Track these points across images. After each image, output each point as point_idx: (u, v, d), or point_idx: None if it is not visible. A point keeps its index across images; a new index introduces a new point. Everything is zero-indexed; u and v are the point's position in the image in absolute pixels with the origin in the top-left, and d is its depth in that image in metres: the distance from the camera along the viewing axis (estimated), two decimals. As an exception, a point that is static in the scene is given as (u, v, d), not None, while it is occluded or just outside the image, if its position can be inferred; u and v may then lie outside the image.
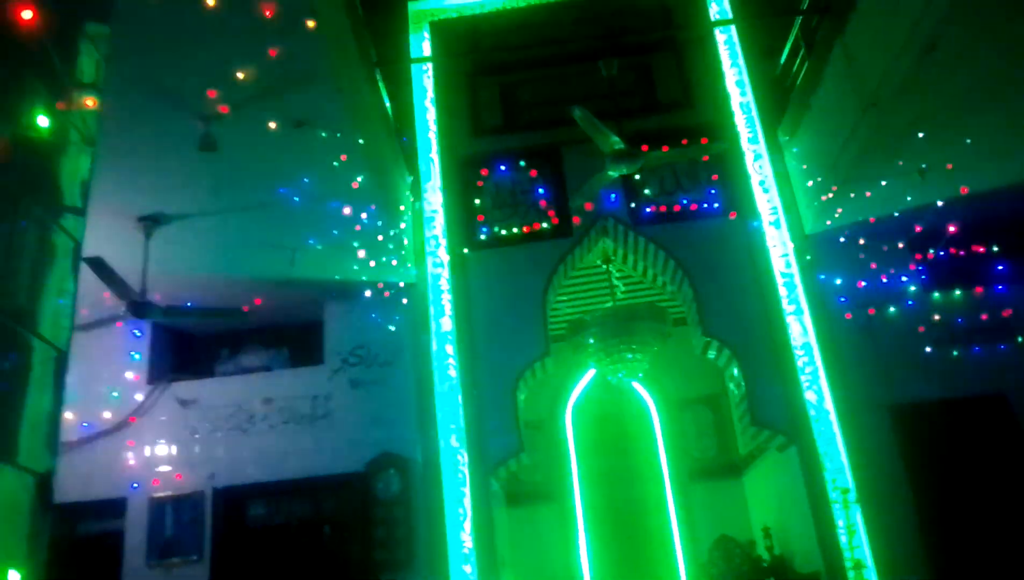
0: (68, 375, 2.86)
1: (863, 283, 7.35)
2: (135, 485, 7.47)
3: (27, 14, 2.60)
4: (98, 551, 7.41)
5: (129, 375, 7.83)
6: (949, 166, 6.53)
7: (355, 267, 7.39)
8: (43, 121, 2.70)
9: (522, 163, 7.97)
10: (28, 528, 2.52)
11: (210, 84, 5.08)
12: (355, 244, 7.04)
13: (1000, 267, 7.43)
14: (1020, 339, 7.15)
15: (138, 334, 7.97)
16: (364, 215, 6.69)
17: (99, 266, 5.97)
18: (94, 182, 3.13)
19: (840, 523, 6.65)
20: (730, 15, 8.14)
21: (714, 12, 8.19)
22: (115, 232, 6.31)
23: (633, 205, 7.73)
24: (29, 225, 2.71)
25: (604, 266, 8.14)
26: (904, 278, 7.37)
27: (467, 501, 6.92)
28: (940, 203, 7.00)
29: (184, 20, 4.59)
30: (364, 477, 7.24)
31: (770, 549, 7.75)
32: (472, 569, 6.75)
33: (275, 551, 7.37)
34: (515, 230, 7.79)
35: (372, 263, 7.34)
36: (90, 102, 2.99)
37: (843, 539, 6.60)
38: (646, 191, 7.76)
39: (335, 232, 6.85)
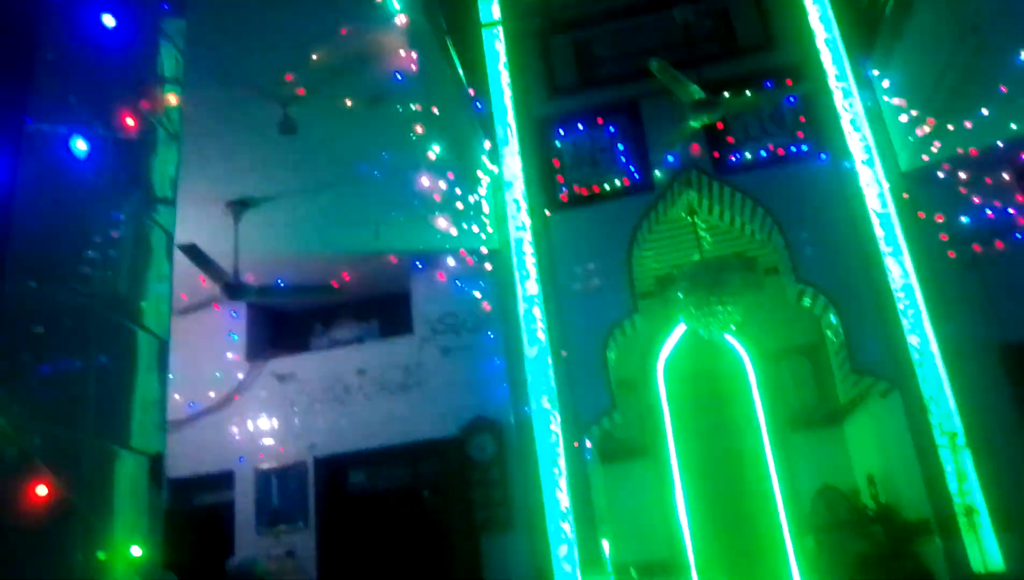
0: (172, 358, 2.98)
1: (966, 219, 6.98)
2: (241, 458, 7.76)
3: (109, 20, 2.65)
4: (212, 521, 7.76)
5: (229, 355, 8.13)
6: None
7: (438, 236, 7.43)
8: (130, 121, 2.76)
9: (600, 120, 7.83)
10: (146, 506, 2.69)
11: (286, 67, 5.14)
12: (437, 213, 7.06)
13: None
14: None
15: (235, 315, 8.23)
16: (443, 184, 6.70)
17: (193, 252, 6.16)
18: (182, 171, 3.21)
19: (949, 469, 6.42)
20: (810, -55, 7.76)
21: (793, -56, 7.82)
22: (205, 218, 6.50)
23: (717, 154, 7.52)
24: (125, 221, 2.80)
25: (689, 218, 7.97)
26: (1011, 210, 6.98)
27: (561, 461, 6.95)
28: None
29: (255, 5, 4.63)
30: (459, 441, 7.35)
31: (875, 497, 7.57)
32: (570, 527, 6.80)
33: (377, 516, 7.59)
34: (596, 188, 7.69)
35: (455, 231, 7.37)
36: (172, 98, 3.04)
37: (952, 485, 6.38)
38: (730, 139, 7.53)
39: (416, 203, 6.88)
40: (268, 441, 7.84)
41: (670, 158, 7.45)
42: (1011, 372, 6.65)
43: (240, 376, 8.07)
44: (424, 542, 7.38)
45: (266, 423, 7.91)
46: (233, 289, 6.70)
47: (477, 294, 7.68)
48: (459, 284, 7.76)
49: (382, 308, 8.41)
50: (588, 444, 7.30)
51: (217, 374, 8.03)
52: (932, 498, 6.47)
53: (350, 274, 7.78)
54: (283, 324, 8.73)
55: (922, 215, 7.02)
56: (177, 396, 7.89)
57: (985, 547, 6.14)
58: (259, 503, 7.70)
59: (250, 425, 7.92)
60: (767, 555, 8.57)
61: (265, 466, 7.76)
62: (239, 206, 6.72)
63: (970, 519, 6.18)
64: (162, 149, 2.98)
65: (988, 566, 6.08)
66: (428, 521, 7.47)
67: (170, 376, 2.99)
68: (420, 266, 7.89)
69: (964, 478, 6.35)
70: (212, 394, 7.96)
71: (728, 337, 8.91)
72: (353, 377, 7.85)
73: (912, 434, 6.65)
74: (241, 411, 7.97)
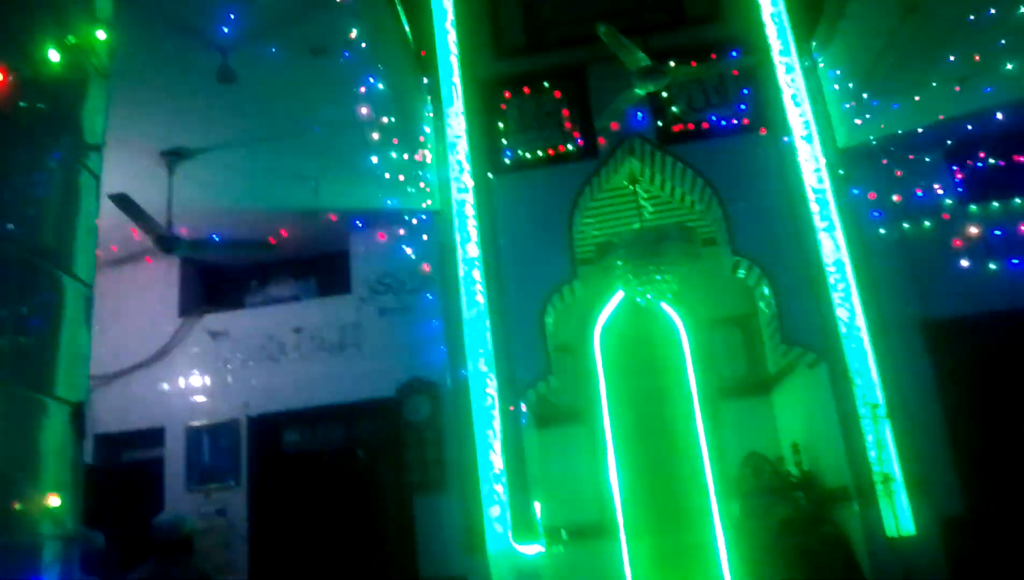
0: (102, 311, 2.91)
1: (898, 197, 7.18)
2: (172, 415, 7.63)
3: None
4: (141, 478, 7.63)
5: (161, 309, 7.93)
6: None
7: (379, 195, 7.34)
8: (54, 56, 2.65)
9: (546, 84, 7.79)
10: (68, 456, 2.62)
11: (226, 11, 4.98)
12: (378, 172, 6.97)
13: (1040, 177, 7.23)
14: (1058, 251, 7.01)
15: (168, 270, 8.02)
16: (385, 142, 6.61)
17: (124, 202, 5.98)
18: (115, 118, 3.10)
19: (869, 438, 6.65)
20: (759, -82, 7.79)
21: (742, -83, 7.83)
22: (138, 168, 6.30)
23: (660, 123, 7.57)
24: (50, 163, 2.70)
25: (631, 187, 8.02)
26: (940, 191, 7.19)
27: (496, 424, 7.00)
28: (978, 113, 6.77)
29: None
30: (395, 402, 7.32)
31: (799, 464, 7.82)
32: (503, 489, 6.87)
33: (310, 475, 7.54)
34: (540, 153, 7.68)
35: (396, 191, 7.29)
36: (101, 34, 2.92)
37: (872, 454, 6.62)
38: (674, 109, 7.58)
39: (357, 161, 6.78)
40: (200, 398, 7.71)
41: (614, 125, 7.48)
42: (931, 347, 6.89)
43: (172, 332, 7.90)
44: (357, 502, 7.37)
45: (198, 380, 7.77)
46: (166, 242, 6.52)
47: (415, 255, 7.62)
48: (400, 245, 7.68)
49: (320, 266, 8.29)
50: (523, 408, 7.36)
51: (148, 329, 7.85)
52: (852, 466, 6.69)
53: (288, 231, 7.66)
54: (218, 280, 8.55)
55: (856, 191, 7.20)
56: (106, 350, 7.74)
57: (899, 513, 6.39)
58: (190, 461, 7.57)
59: (182, 382, 7.78)
60: (694, 518, 8.80)
61: (196, 423, 7.63)
62: (173, 156, 6.52)
63: (886, 486, 6.42)
64: (91, 89, 2.86)
65: (900, 531, 6.33)
66: (362, 481, 7.46)
67: (99, 329, 2.91)
68: (360, 225, 7.78)
69: (882, 447, 6.59)
70: (142, 349, 7.78)
71: (664, 305, 9.06)
72: (289, 335, 7.75)
73: (836, 405, 6.86)
74: (173, 367, 7.81)
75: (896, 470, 6.53)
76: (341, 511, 7.33)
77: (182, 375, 7.79)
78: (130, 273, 7.78)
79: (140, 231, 6.37)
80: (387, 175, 7.06)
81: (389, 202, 7.42)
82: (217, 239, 7.34)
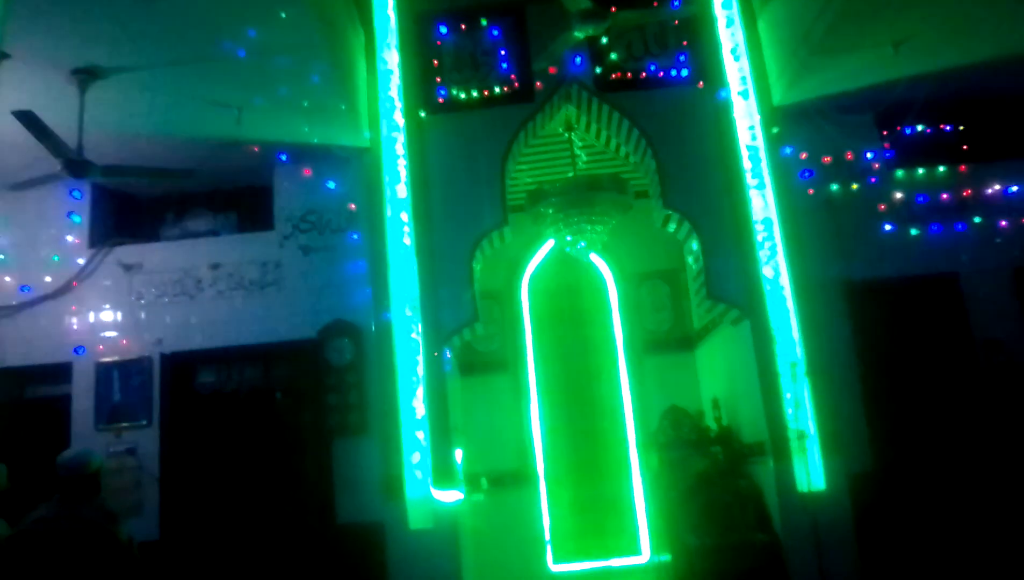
0: (5, 237, 2.66)
1: (828, 158, 7.23)
2: (80, 350, 7.29)
3: None
4: (46, 415, 7.30)
5: (69, 238, 7.51)
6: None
7: (306, 129, 7.05)
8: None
9: (483, 21, 7.55)
10: None
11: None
12: (305, 104, 6.69)
13: (964, 146, 7.36)
14: (977, 220, 7.17)
15: (77, 196, 7.61)
16: (317, 74, 6.32)
17: (30, 120, 5.58)
18: (21, 30, 2.82)
19: (787, 396, 6.78)
20: None
21: None
22: (47, 85, 5.89)
23: (599, 70, 7.43)
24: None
25: (566, 134, 7.90)
26: (869, 155, 7.27)
27: (420, 369, 6.89)
28: (910, 79, 6.81)
29: None
30: (316, 344, 7.14)
31: (718, 419, 7.96)
32: (424, 435, 6.79)
33: (226, 417, 7.32)
34: (475, 93, 7.47)
35: (324, 125, 7.02)
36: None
37: (789, 411, 6.75)
38: (612, 56, 7.44)
39: (283, 91, 6.48)
40: (110, 333, 7.38)
41: (551, 69, 7.32)
42: (851, 308, 7.03)
43: (81, 262, 7.51)
44: (274, 445, 7.19)
45: (108, 314, 7.43)
46: (76, 166, 6.13)
47: (341, 193, 7.37)
48: (326, 181, 7.42)
49: (241, 200, 7.94)
50: (448, 354, 7.27)
51: (55, 258, 7.44)
52: (769, 422, 6.82)
53: (208, 161, 7.31)
54: (132, 210, 8.13)
55: (788, 151, 7.22)
56: (9, 279, 7.34)
57: (811, 469, 6.55)
58: (99, 398, 7.26)
59: (91, 316, 7.42)
60: (613, 469, 8.93)
61: (106, 360, 7.31)
62: (86, 75, 6.10)
63: (800, 443, 6.56)
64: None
65: (811, 486, 6.50)
66: (279, 424, 7.27)
67: (1, 257, 2.67)
68: (285, 159, 7.48)
69: (799, 405, 6.72)
70: (49, 279, 7.38)
71: (594, 257, 9.03)
72: (206, 271, 7.45)
73: (757, 361, 6.95)
74: (81, 300, 7.44)
75: (811, 427, 6.68)
76: (257, 454, 7.15)
77: (92, 309, 7.44)
78: (36, 197, 7.32)
79: (49, 153, 5.98)
80: (315, 108, 6.77)
81: (316, 137, 7.13)
82: (133, 164, 6.96)
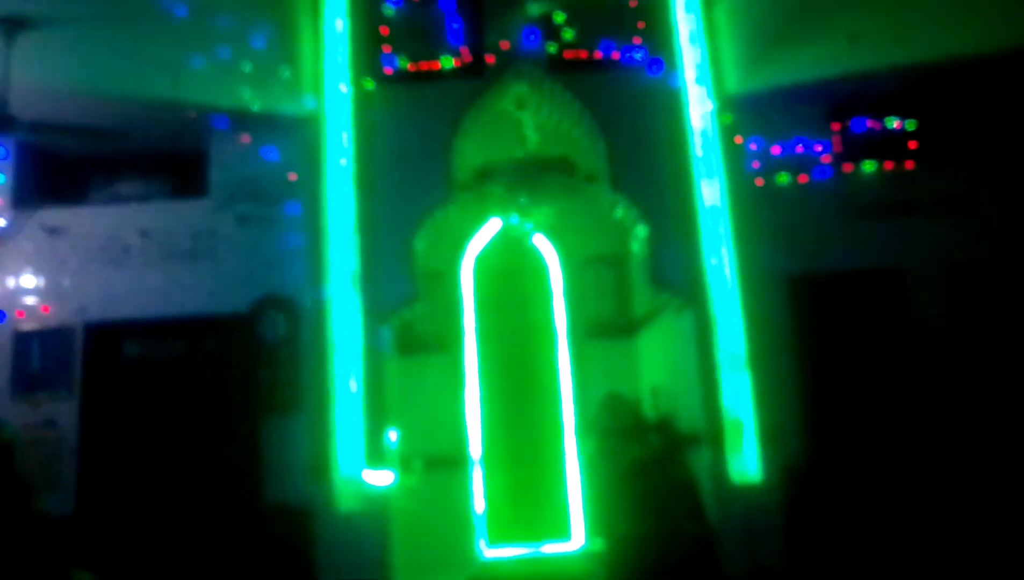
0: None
1: (778, 149, 7.22)
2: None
3: None
4: (-41, 381, 6.97)
5: (-11, 197, 7.16)
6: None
7: (246, 94, 6.78)
8: None
9: (436, -10, 7.35)
10: None
11: None
12: (246, 68, 6.42)
13: (912, 143, 7.43)
14: (920, 216, 7.26)
15: (0, 153, 7.23)
16: (260, 37, 6.08)
17: (-56, 68, 5.25)
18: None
19: (725, 386, 6.78)
20: None
21: None
22: (-34, 31, 5.55)
23: (552, 49, 7.28)
24: None
25: (517, 113, 7.73)
26: (819, 148, 7.28)
27: (356, 347, 6.71)
28: (862, 73, 6.84)
29: None
30: (249, 318, 6.92)
31: (656, 408, 7.93)
32: (358, 414, 6.62)
33: (152, 390, 7.07)
34: (424, 65, 7.26)
35: (266, 91, 6.76)
36: None
37: (726, 402, 6.75)
38: (567, 35, 7.30)
39: (224, 53, 6.21)
40: (31, 300, 7.04)
41: (504, 45, 7.16)
42: (793, 301, 7.07)
43: (2, 223, 7.14)
44: (201, 420, 6.97)
45: (30, 280, 7.11)
46: (0, 122, 5.84)
47: (281, 163, 7.11)
48: (265, 149, 7.15)
49: (175, 166, 7.66)
50: (386, 333, 7.09)
51: (-28, 218, 7.08)
52: (707, 412, 6.80)
53: (142, 123, 6.99)
54: (58, 171, 7.76)
55: (739, 140, 7.18)
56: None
57: (746, 460, 6.56)
58: (16, 367, 6.98)
59: (11, 281, 7.08)
60: (550, 454, 8.85)
61: (26, 327, 6.99)
62: (12, 25, 5.79)
63: (737, 434, 6.57)
64: None
65: (746, 478, 6.52)
66: (207, 399, 7.04)
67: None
68: (223, 125, 7.19)
69: (737, 396, 6.72)
70: (-35, 240, 7.02)
71: (539, 239, 8.92)
72: (135, 238, 7.16)
73: (698, 351, 6.92)
74: (1, 263, 7.09)
75: (748, 419, 6.68)
76: (183, 429, 6.93)
77: (12, 273, 7.10)
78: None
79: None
80: (257, 72, 6.50)
81: (257, 103, 6.86)
82: (61, 122, 6.63)
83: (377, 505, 6.56)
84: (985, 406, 7.01)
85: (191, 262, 7.09)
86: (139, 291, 7.04)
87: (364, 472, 6.54)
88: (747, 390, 6.76)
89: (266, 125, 7.10)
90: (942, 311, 7.11)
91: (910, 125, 7.37)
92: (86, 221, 7.19)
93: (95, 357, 6.98)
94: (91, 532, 6.50)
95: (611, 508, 7.13)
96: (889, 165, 7.34)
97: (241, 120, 7.08)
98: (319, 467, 6.54)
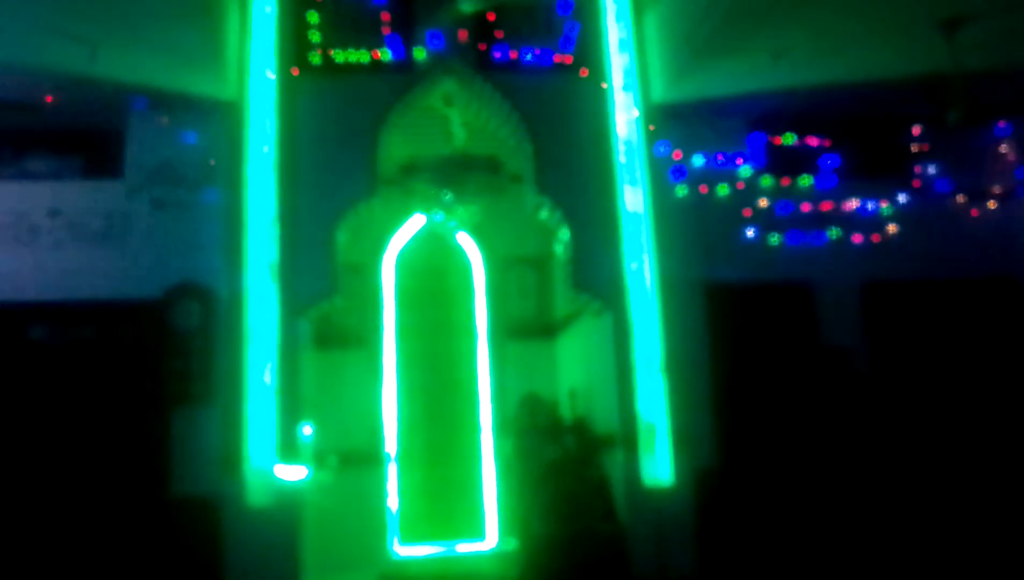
0: None
1: (701, 160, 7.38)
2: None
3: None
4: None
5: None
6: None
7: (167, 75, 6.59)
8: None
9: (367, -20, 7.28)
10: None
11: None
12: (168, 47, 6.23)
13: (829, 161, 7.67)
14: (833, 233, 7.50)
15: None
16: (183, 16, 5.91)
17: None
18: None
19: (641, 390, 6.90)
20: None
21: None
22: None
23: (483, 47, 7.29)
24: None
25: (445, 110, 7.71)
26: (738, 160, 7.46)
27: (272, 339, 6.59)
28: (785, 90, 7.04)
29: None
30: (161, 305, 6.70)
31: (574, 409, 8.01)
32: (272, 407, 6.51)
33: (57, 375, 6.79)
34: (353, 57, 7.18)
35: (187, 73, 6.58)
36: None
37: (641, 405, 6.87)
38: (498, 34, 7.32)
39: (145, 29, 6.01)
40: (-74, 278, 6.70)
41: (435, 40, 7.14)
42: (709, 309, 7.23)
43: None
44: (107, 409, 6.73)
45: (-74, 257, 6.75)
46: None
47: (201, 147, 6.91)
48: (185, 133, 6.94)
49: (89, 144, 7.33)
50: (303, 326, 6.99)
51: None
52: (622, 415, 6.92)
53: (54, 97, 6.71)
54: (-39, 144, 7.42)
55: (662, 149, 7.31)
56: None
57: (659, 463, 6.68)
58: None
59: (-96, 257, 6.72)
60: (466, 453, 8.86)
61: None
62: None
63: (650, 437, 6.68)
64: None
65: (658, 480, 6.64)
66: (114, 387, 6.80)
67: None
68: (141, 105, 6.95)
69: (652, 400, 6.84)
70: None
71: (462, 237, 8.92)
72: (43, 218, 6.86)
73: (615, 354, 7.04)
74: None
75: (662, 423, 6.80)
76: (87, 418, 6.68)
77: (-95, 249, 6.73)
78: None
79: None
80: (179, 53, 6.32)
81: (178, 84, 6.68)
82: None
83: (288, 500, 6.47)
84: (889, 417, 7.31)
85: (103, 245, 6.82)
86: (47, 273, 6.75)
87: (276, 466, 6.44)
88: (662, 395, 6.90)
89: (187, 108, 6.89)
90: (850, 326, 7.37)
91: (828, 142, 7.61)
92: (-9, 197, 6.88)
93: (-4, 339, 6.69)
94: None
95: (526, 507, 7.17)
96: (806, 180, 7.57)
97: (161, 101, 6.86)
98: (230, 460, 6.42)
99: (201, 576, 6.27)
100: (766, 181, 7.53)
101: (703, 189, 7.36)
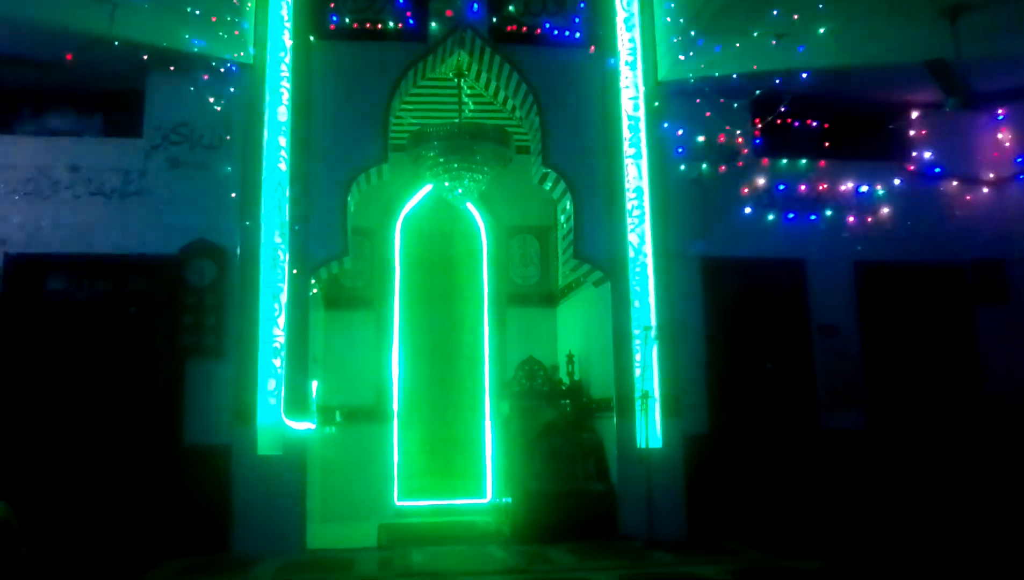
0: None
1: (703, 138, 7.54)
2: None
3: None
4: None
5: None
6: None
7: (187, 36, 6.74)
8: None
9: (384, -50, 7.40)
10: None
11: None
12: (188, 9, 6.40)
13: (827, 143, 7.82)
14: (828, 212, 7.69)
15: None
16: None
17: None
18: None
19: (637, 357, 7.14)
20: None
21: None
22: None
23: (495, 20, 7.44)
24: None
25: (456, 80, 7.88)
26: (740, 139, 7.62)
27: (283, 297, 6.82)
28: (787, 71, 7.18)
29: None
30: (177, 261, 6.89)
31: (571, 374, 8.27)
32: (281, 363, 6.75)
33: (74, 328, 6.99)
34: (368, 24, 7.33)
35: (207, 34, 6.74)
36: None
37: (637, 371, 7.11)
38: (510, 8, 7.47)
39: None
40: (-53, 228, 6.87)
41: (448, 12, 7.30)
42: (705, 282, 7.43)
43: (-80, 148, 6.95)
44: (124, 360, 6.94)
45: (-53, 208, 6.92)
46: (-76, 43, 5.68)
47: (219, 108, 7.06)
48: (203, 94, 7.07)
49: (109, 103, 7.47)
50: (313, 285, 7.22)
51: None
52: (617, 381, 7.17)
53: (75, 56, 6.85)
54: (-16, 98, 7.57)
55: (666, 127, 7.49)
56: None
57: (651, 428, 6.94)
58: (-70, 293, 6.80)
59: (-71, 205, 6.89)
60: (466, 413, 9.15)
61: (-59, 257, 6.81)
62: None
63: (644, 403, 6.93)
64: None
65: (649, 443, 6.90)
66: (131, 339, 7.01)
67: None
68: (161, 65, 7.08)
69: (647, 367, 7.09)
70: None
71: (469, 205, 9.13)
72: (64, 172, 7.02)
73: (613, 322, 7.27)
74: (-81, 187, 6.91)
75: (655, 389, 7.05)
76: (105, 369, 6.89)
77: (-72, 200, 6.90)
78: None
79: None
80: (199, 15, 6.49)
81: (197, 46, 6.83)
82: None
83: (295, 451, 6.72)
84: (876, 390, 7.56)
85: (121, 201, 7.00)
86: (66, 226, 6.90)
87: (285, 419, 6.69)
88: (656, 362, 7.13)
89: (206, 70, 7.03)
90: (840, 303, 7.58)
91: (827, 124, 7.75)
92: (12, 151, 6.99)
93: (15, 291, 6.86)
94: (5, 471, 6.44)
95: (521, 466, 7.44)
96: (804, 161, 7.74)
97: (180, 63, 6.99)
98: (241, 412, 6.67)
99: (212, 520, 6.56)
100: (765, 160, 7.69)
101: (703, 166, 7.53)
